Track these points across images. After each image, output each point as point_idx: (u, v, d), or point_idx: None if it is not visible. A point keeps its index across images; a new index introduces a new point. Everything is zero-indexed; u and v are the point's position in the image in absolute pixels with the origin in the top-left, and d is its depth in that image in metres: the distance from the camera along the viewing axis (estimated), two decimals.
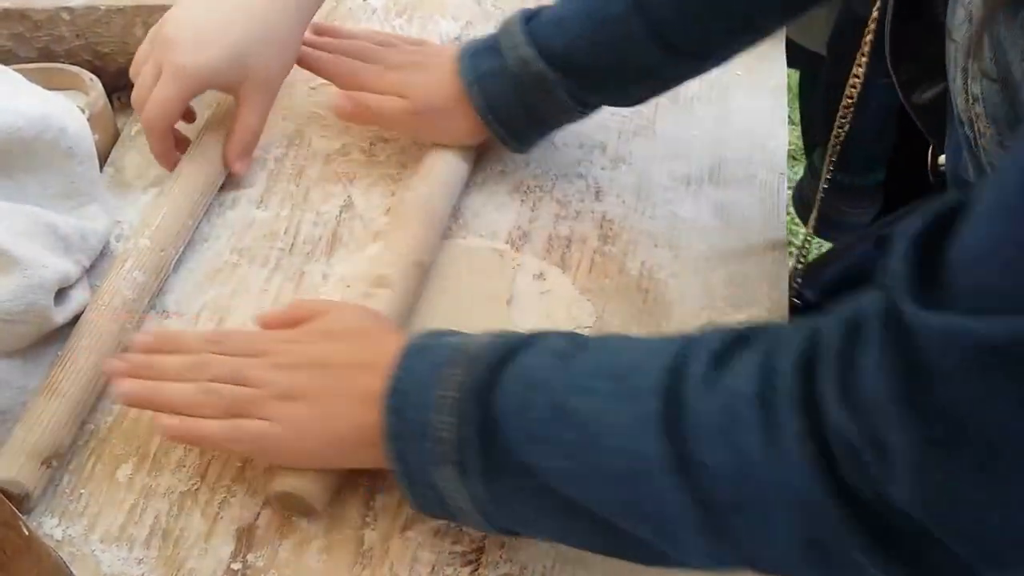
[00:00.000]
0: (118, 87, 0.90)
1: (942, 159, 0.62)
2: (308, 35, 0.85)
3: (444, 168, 0.81)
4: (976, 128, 0.48)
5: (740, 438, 0.48)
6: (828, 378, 0.46)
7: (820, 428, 0.46)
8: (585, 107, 0.80)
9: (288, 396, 0.60)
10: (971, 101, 0.47)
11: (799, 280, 0.82)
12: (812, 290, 0.82)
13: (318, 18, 0.96)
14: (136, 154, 0.85)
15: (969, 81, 0.48)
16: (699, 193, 0.83)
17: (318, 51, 0.84)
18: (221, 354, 0.63)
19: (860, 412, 0.44)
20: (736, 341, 0.52)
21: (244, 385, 0.61)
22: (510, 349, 0.56)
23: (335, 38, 0.86)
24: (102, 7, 0.86)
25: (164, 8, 0.86)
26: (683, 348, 0.52)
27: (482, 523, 0.57)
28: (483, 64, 0.79)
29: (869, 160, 1.34)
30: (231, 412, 0.60)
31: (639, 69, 0.77)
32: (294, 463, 0.61)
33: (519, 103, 0.78)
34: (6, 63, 0.80)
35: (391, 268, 0.72)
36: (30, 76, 0.78)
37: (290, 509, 0.62)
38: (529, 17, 0.78)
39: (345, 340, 0.62)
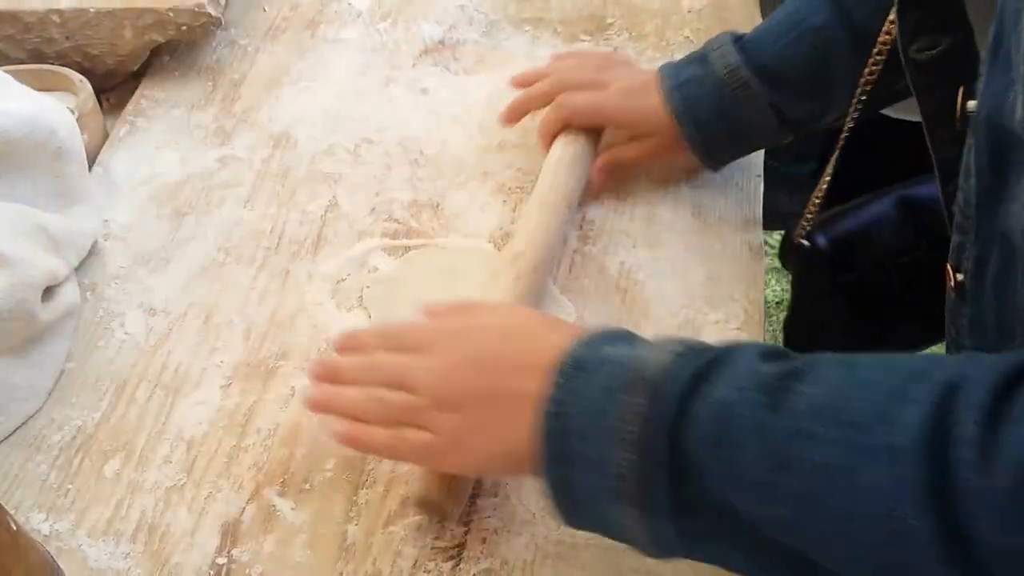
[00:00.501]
0: (106, 88, 0.89)
1: (972, 104, 0.58)
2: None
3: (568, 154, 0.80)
4: None
5: None
6: None
7: None
8: (784, 123, 0.79)
9: (447, 405, 0.57)
10: None
11: (808, 221, 0.80)
12: (825, 237, 0.81)
13: (299, 32, 0.96)
14: (124, 154, 0.84)
15: None
16: (677, 195, 0.83)
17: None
18: (391, 349, 0.62)
19: None
20: (1007, 391, 0.44)
21: (407, 390, 0.59)
22: (698, 375, 0.50)
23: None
24: (91, 10, 0.85)
25: (152, 11, 0.86)
26: (941, 398, 0.44)
27: (652, 551, 0.52)
28: (686, 72, 0.79)
29: (805, 149, 1.31)
30: (395, 420, 0.59)
31: (844, 78, 0.75)
32: (453, 471, 0.60)
33: (719, 110, 0.78)
34: None
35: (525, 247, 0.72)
36: (20, 77, 0.78)
37: (425, 509, 0.62)
38: (737, 35, 0.79)
39: (508, 336, 0.59)
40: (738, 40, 0.79)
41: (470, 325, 0.61)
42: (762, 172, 0.86)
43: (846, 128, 0.76)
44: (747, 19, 0.96)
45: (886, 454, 0.44)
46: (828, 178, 0.79)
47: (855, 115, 0.75)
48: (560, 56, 0.88)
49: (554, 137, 0.82)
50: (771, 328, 1.80)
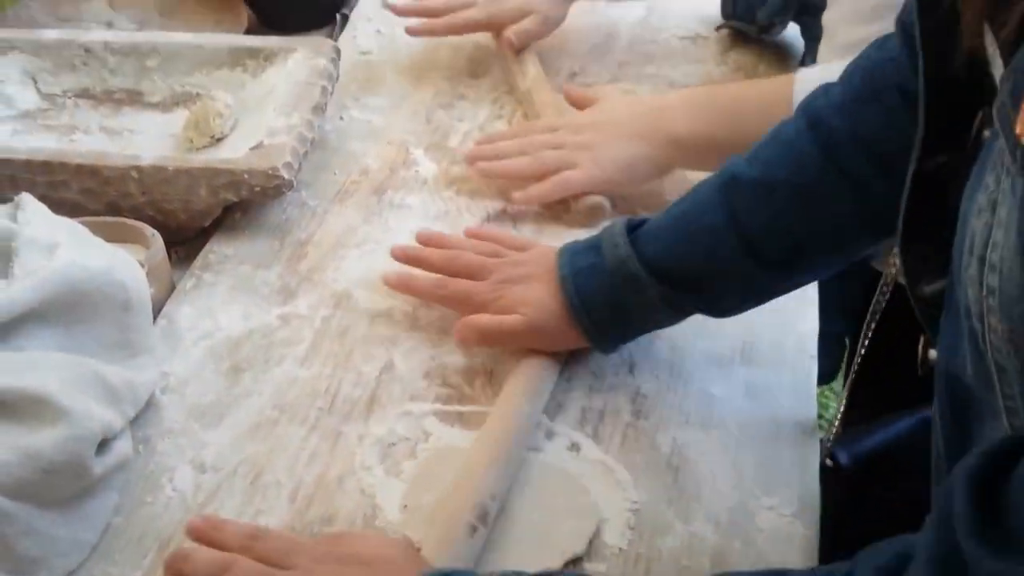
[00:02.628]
0: (176, 241, 0.89)
1: (933, 353, 0.57)
2: (412, 246, 0.85)
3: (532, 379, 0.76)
4: (987, 322, 0.44)
5: None
6: None
7: None
8: (676, 312, 0.77)
9: None
10: (985, 292, 0.44)
11: (830, 439, 0.76)
12: (847, 454, 0.77)
13: (367, 196, 0.95)
14: (189, 307, 0.83)
15: (986, 272, 0.44)
16: (731, 372, 0.80)
17: (424, 275, 0.82)
18: (255, 555, 0.60)
19: None
20: None
21: None
22: None
23: (440, 247, 0.84)
24: (170, 168, 0.85)
25: (229, 172, 0.85)
26: None
27: None
28: (581, 260, 0.77)
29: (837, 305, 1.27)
30: None
31: (731, 279, 0.75)
32: None
33: (612, 301, 0.76)
34: (73, 215, 0.79)
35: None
36: (95, 229, 0.77)
37: None
38: (632, 224, 0.77)
39: (360, 568, 0.60)
40: (633, 230, 0.76)
41: (334, 554, 0.61)
42: (815, 353, 0.83)
43: (861, 345, 0.73)
44: None
45: None
46: (845, 401, 0.76)
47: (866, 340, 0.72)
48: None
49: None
50: None
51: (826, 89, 0.74)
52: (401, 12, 1.13)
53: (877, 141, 0.70)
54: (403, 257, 0.84)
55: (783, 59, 1.14)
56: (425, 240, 0.85)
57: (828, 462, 0.76)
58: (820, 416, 0.80)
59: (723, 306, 0.77)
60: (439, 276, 0.81)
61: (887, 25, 0.88)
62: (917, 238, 0.60)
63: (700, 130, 0.90)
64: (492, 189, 0.96)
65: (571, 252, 0.78)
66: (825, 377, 1.43)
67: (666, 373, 0.79)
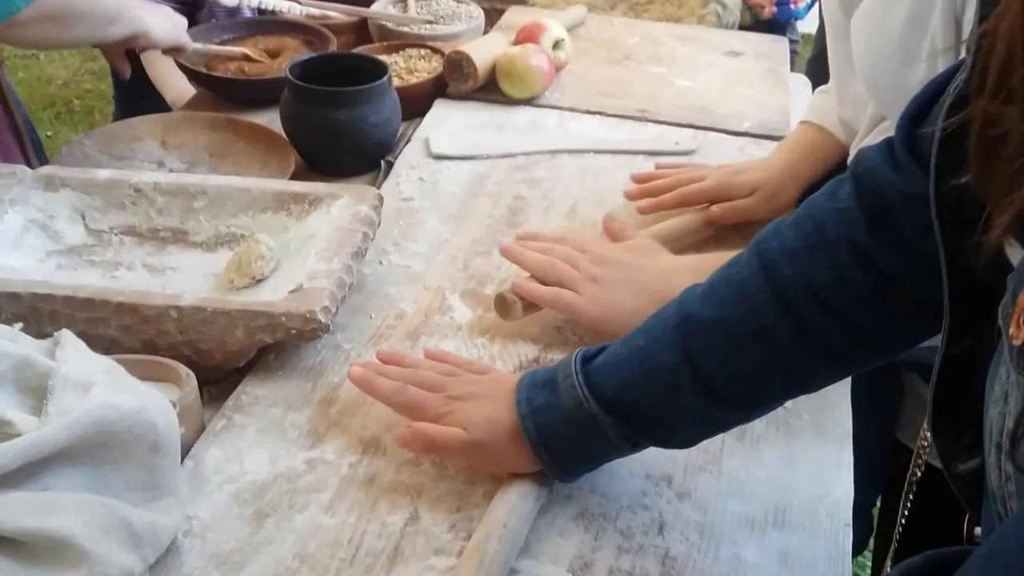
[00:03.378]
0: (210, 380, 0.88)
1: (978, 531, 0.56)
2: (374, 362, 0.86)
3: (517, 499, 0.76)
4: (1008, 507, 0.43)
5: None
6: None
7: None
8: (634, 446, 0.77)
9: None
10: (1004, 479, 0.42)
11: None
12: None
13: (401, 340, 0.94)
14: (217, 449, 0.82)
15: (1003, 458, 0.43)
16: (763, 537, 0.77)
17: (385, 380, 0.83)
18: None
19: None
20: None
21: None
22: None
23: (400, 366, 0.85)
24: (209, 309, 0.85)
25: (266, 314, 0.85)
26: None
27: None
28: (538, 398, 0.77)
29: (871, 480, 1.23)
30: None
31: (688, 416, 0.74)
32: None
33: (570, 439, 0.76)
34: (110, 351, 0.80)
35: None
36: (130, 367, 0.77)
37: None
38: (586, 357, 0.77)
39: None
40: (587, 363, 0.76)
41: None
42: (851, 520, 0.80)
43: (901, 515, 0.71)
44: None
45: None
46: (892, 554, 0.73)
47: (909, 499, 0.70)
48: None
49: None
50: None
51: (778, 229, 0.75)
52: (634, 196, 1.14)
53: (826, 292, 0.70)
54: (361, 374, 0.83)
55: None
56: (385, 358, 0.86)
57: None
58: None
59: (678, 441, 0.77)
60: (400, 383, 0.82)
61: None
62: (948, 418, 0.59)
63: None
64: (527, 338, 0.95)
65: (529, 386, 0.78)
66: (855, 548, 1.40)
67: (696, 535, 0.77)
